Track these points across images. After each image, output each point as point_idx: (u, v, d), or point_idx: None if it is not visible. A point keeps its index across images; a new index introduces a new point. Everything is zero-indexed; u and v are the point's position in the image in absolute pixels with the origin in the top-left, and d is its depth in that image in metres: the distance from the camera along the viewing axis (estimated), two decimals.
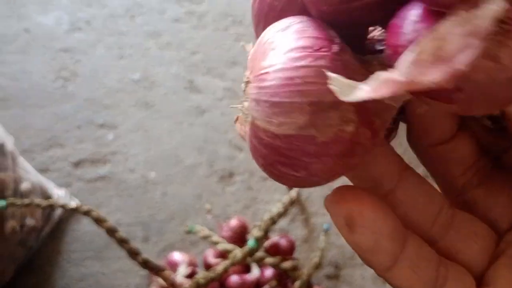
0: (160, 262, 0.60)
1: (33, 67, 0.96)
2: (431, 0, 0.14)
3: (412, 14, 0.15)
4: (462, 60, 0.12)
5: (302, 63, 0.16)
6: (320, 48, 0.17)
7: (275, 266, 0.59)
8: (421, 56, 0.13)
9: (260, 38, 0.19)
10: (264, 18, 0.23)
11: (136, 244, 0.57)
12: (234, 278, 0.61)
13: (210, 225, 0.74)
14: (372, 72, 0.14)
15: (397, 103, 0.18)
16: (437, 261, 0.19)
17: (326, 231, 0.70)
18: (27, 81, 0.93)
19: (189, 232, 0.65)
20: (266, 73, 0.17)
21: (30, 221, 0.60)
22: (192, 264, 0.65)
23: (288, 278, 0.63)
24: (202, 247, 0.72)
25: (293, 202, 0.69)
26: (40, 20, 1.06)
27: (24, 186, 0.60)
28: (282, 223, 0.75)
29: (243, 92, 0.19)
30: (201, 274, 0.52)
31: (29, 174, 0.63)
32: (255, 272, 0.63)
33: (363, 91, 0.14)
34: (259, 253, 0.60)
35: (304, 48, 0.17)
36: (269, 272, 0.63)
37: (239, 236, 0.67)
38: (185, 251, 0.70)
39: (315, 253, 0.66)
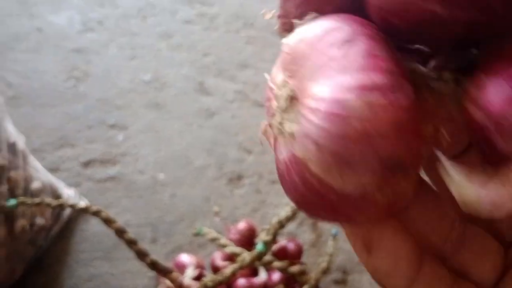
0: (168, 264, 0.60)
1: (44, 67, 0.97)
2: None
3: None
4: None
5: (379, 112, 0.14)
6: (396, 90, 0.14)
7: (282, 270, 0.59)
8: None
9: (304, 32, 0.17)
10: None
11: (144, 245, 0.57)
12: (241, 282, 0.61)
13: (218, 228, 0.74)
14: (450, 113, 0.13)
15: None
16: (451, 280, 0.18)
17: (335, 236, 0.69)
18: (39, 80, 0.94)
19: (197, 234, 0.65)
20: (332, 113, 0.14)
21: (40, 220, 0.60)
22: (199, 266, 0.65)
23: (296, 282, 0.63)
24: (210, 249, 0.72)
25: None
26: (52, 19, 1.07)
27: (35, 185, 0.60)
28: (290, 227, 0.75)
29: (280, 105, 0.16)
30: (209, 277, 0.52)
31: (40, 173, 0.63)
32: (262, 276, 0.63)
33: (486, 205, 0.12)
34: (267, 257, 0.60)
35: (378, 87, 0.14)
36: (276, 276, 0.63)
37: (247, 239, 0.67)
38: (193, 253, 0.70)
39: (323, 257, 0.66)
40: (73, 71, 0.97)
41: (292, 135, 0.15)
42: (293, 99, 0.16)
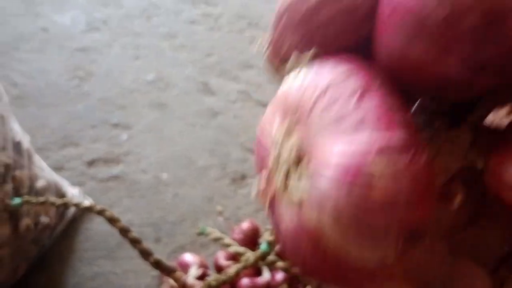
0: (171, 263, 0.60)
1: (49, 66, 0.97)
2: None
3: None
4: None
5: (400, 178, 0.13)
6: (413, 148, 0.14)
7: (286, 270, 0.59)
8: None
9: (311, 76, 0.17)
10: (306, 24, 0.22)
11: (147, 245, 0.57)
12: (245, 281, 0.61)
13: (221, 228, 0.74)
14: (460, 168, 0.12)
15: None
16: None
17: None
18: (43, 79, 0.94)
19: (201, 233, 0.65)
20: (350, 180, 0.13)
21: (44, 219, 0.61)
22: (203, 266, 0.65)
23: (299, 282, 0.63)
24: (213, 249, 0.72)
25: None
26: (57, 19, 1.07)
27: (40, 184, 0.60)
28: None
29: (284, 161, 0.15)
30: (213, 277, 0.52)
31: (44, 172, 0.63)
32: (266, 276, 0.63)
33: None
34: (271, 257, 0.60)
35: (395, 148, 0.13)
36: (280, 276, 0.63)
37: (250, 239, 0.67)
38: (196, 253, 0.70)
39: None
40: (77, 71, 0.97)
41: (300, 200, 0.14)
42: (300, 154, 0.14)
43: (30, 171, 0.59)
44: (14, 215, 0.55)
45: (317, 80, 0.16)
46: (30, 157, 0.61)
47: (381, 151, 0.13)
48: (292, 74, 0.18)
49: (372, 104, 0.14)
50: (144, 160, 0.83)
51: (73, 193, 0.70)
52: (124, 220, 0.57)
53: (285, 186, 0.15)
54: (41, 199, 0.55)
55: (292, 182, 0.14)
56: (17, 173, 0.56)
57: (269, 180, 0.17)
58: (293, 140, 0.15)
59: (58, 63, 0.98)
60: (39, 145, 0.80)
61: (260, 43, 0.26)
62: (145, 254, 0.56)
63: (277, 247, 0.64)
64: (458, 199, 0.18)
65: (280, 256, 0.64)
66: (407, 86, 0.16)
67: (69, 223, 0.70)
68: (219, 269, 0.66)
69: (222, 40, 1.08)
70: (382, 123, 0.14)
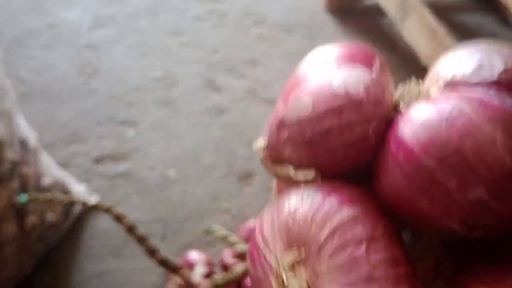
0: (177, 260, 0.60)
1: (56, 63, 0.97)
2: None
3: None
4: None
5: None
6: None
7: None
8: None
9: (319, 210, 0.19)
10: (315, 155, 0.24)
11: (153, 242, 0.57)
12: None
13: (228, 225, 0.74)
14: None
15: None
16: None
17: None
18: (51, 76, 0.94)
19: (207, 232, 0.65)
20: None
21: (50, 217, 0.61)
22: (209, 263, 0.64)
23: None
24: (219, 246, 0.72)
25: None
26: (65, 16, 1.07)
27: (46, 181, 0.60)
28: None
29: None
30: (219, 275, 0.52)
31: (51, 169, 0.63)
32: None
33: None
34: None
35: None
36: None
37: None
38: (202, 251, 0.69)
39: None
40: (84, 68, 0.97)
41: None
42: None
43: (37, 168, 0.59)
44: (20, 212, 0.55)
45: (325, 219, 0.17)
46: (36, 154, 0.61)
47: None
48: (296, 195, 0.20)
49: (380, 257, 0.16)
50: (151, 157, 0.82)
51: (80, 190, 0.70)
52: (131, 218, 0.57)
53: None
54: (48, 196, 0.55)
55: None
56: (24, 170, 0.56)
57: None
58: (301, 278, 0.16)
59: (65, 60, 0.98)
60: (46, 141, 0.80)
61: (259, 142, 0.27)
62: (151, 252, 0.56)
63: None
64: None
65: None
66: (405, 220, 0.19)
67: (75, 220, 0.70)
68: (225, 267, 0.66)
69: (229, 37, 1.07)
70: (390, 280, 0.15)
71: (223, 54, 1.03)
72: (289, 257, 0.17)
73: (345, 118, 0.23)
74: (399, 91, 0.25)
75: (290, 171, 0.24)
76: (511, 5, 0.71)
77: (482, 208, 0.20)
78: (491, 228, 0.20)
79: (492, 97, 0.21)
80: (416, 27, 0.82)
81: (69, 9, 1.09)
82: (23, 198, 0.53)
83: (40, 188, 0.59)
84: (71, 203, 0.57)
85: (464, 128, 0.20)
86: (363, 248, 0.16)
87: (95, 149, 0.82)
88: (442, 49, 0.76)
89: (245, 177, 0.82)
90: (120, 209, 0.57)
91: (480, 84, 0.24)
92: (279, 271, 0.17)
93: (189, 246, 0.72)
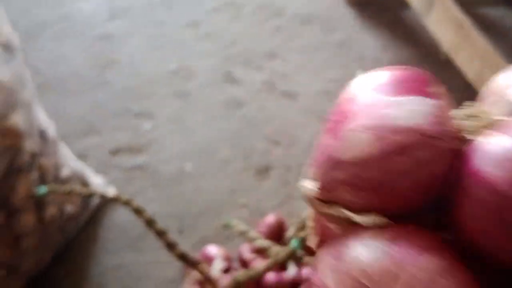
0: (194, 255, 0.59)
1: (71, 54, 0.96)
2: None
3: None
4: None
5: None
6: None
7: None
8: None
9: (397, 261, 0.17)
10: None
11: (171, 236, 0.56)
12: (270, 276, 0.60)
13: (245, 220, 0.72)
14: None
15: None
16: None
17: None
18: (66, 67, 0.93)
19: (226, 227, 0.64)
20: None
21: (69, 208, 0.60)
22: (227, 258, 0.64)
23: None
24: (236, 241, 0.71)
25: None
26: (80, 7, 1.06)
27: (64, 172, 0.60)
28: None
29: None
30: (241, 272, 0.51)
31: (69, 161, 0.63)
32: (292, 271, 0.62)
33: None
34: (298, 251, 0.58)
35: None
36: (306, 271, 0.62)
37: (275, 233, 0.66)
38: (219, 245, 0.69)
39: None
40: (99, 59, 0.96)
41: None
42: None
43: (55, 159, 0.59)
44: (39, 204, 0.55)
45: (404, 271, 0.16)
46: (55, 145, 0.60)
47: None
48: (362, 243, 0.19)
49: None
50: (167, 150, 0.81)
51: (97, 182, 0.69)
52: (149, 211, 0.56)
53: None
54: (67, 188, 0.54)
55: None
56: (43, 161, 0.56)
57: None
58: None
59: (80, 51, 0.97)
60: (61, 133, 0.79)
61: (307, 184, 0.24)
62: (170, 246, 0.55)
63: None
64: None
65: (307, 250, 0.62)
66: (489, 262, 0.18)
67: (92, 213, 0.70)
68: (243, 262, 0.65)
69: (246, 29, 1.06)
70: None
71: (240, 47, 1.02)
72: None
73: (415, 156, 0.20)
74: (460, 117, 0.23)
75: (350, 214, 0.21)
76: None
77: None
78: None
79: None
80: (441, 20, 0.80)
81: (84, 0, 1.08)
82: (42, 189, 0.53)
83: (58, 180, 0.58)
84: (90, 195, 0.56)
85: None
86: None
87: (111, 141, 0.81)
88: (468, 42, 0.74)
89: (262, 171, 0.81)
90: (137, 202, 0.56)
91: None
92: None
93: (206, 240, 0.71)
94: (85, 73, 0.93)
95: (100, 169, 0.76)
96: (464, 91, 0.78)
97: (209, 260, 0.63)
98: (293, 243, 0.54)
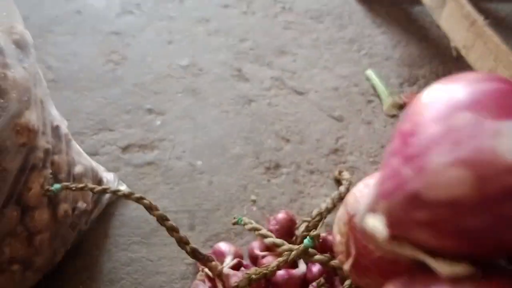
0: (206, 251, 0.60)
1: (83, 50, 0.97)
2: None
3: None
4: None
5: None
6: None
7: (324, 263, 0.58)
8: None
9: None
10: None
11: (183, 233, 0.57)
12: (280, 273, 0.60)
13: (255, 217, 0.73)
14: None
15: None
16: None
17: None
18: (78, 63, 0.94)
19: (237, 223, 0.64)
20: None
21: (81, 205, 0.61)
22: (238, 255, 0.64)
23: (336, 276, 0.61)
24: (247, 238, 0.71)
25: (342, 198, 0.67)
26: (91, 2, 1.07)
27: (77, 169, 0.60)
28: (329, 218, 0.73)
29: None
30: (253, 270, 0.52)
31: (82, 157, 0.63)
32: (302, 268, 0.62)
33: None
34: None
35: None
36: (316, 268, 0.62)
37: (286, 230, 0.66)
38: (230, 242, 0.69)
39: None
40: (111, 55, 0.96)
41: None
42: None
43: (68, 156, 0.59)
44: (53, 200, 0.55)
45: None
46: (68, 142, 0.60)
47: None
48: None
49: None
50: (179, 146, 0.82)
51: (108, 178, 0.70)
52: (160, 207, 0.57)
53: None
54: (80, 185, 0.55)
55: None
56: (56, 158, 0.56)
57: None
58: None
59: (92, 47, 0.97)
60: (74, 129, 0.80)
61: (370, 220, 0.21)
62: (182, 243, 0.56)
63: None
64: None
65: (317, 248, 0.62)
66: None
67: (104, 208, 0.70)
68: (254, 259, 0.65)
69: (256, 25, 1.06)
70: None
71: (251, 42, 1.02)
72: None
73: None
74: None
75: (433, 262, 0.17)
76: None
77: None
78: None
79: None
80: (453, 16, 0.79)
81: None
82: (56, 186, 0.53)
83: (71, 177, 0.59)
84: (103, 192, 0.56)
85: None
86: None
87: (123, 138, 0.82)
88: (481, 39, 0.73)
89: (273, 168, 0.81)
90: (148, 198, 0.57)
91: None
92: None
93: (217, 236, 0.71)
94: (96, 68, 0.94)
95: (111, 166, 0.77)
96: None
97: (220, 256, 0.64)
98: (306, 241, 0.54)
